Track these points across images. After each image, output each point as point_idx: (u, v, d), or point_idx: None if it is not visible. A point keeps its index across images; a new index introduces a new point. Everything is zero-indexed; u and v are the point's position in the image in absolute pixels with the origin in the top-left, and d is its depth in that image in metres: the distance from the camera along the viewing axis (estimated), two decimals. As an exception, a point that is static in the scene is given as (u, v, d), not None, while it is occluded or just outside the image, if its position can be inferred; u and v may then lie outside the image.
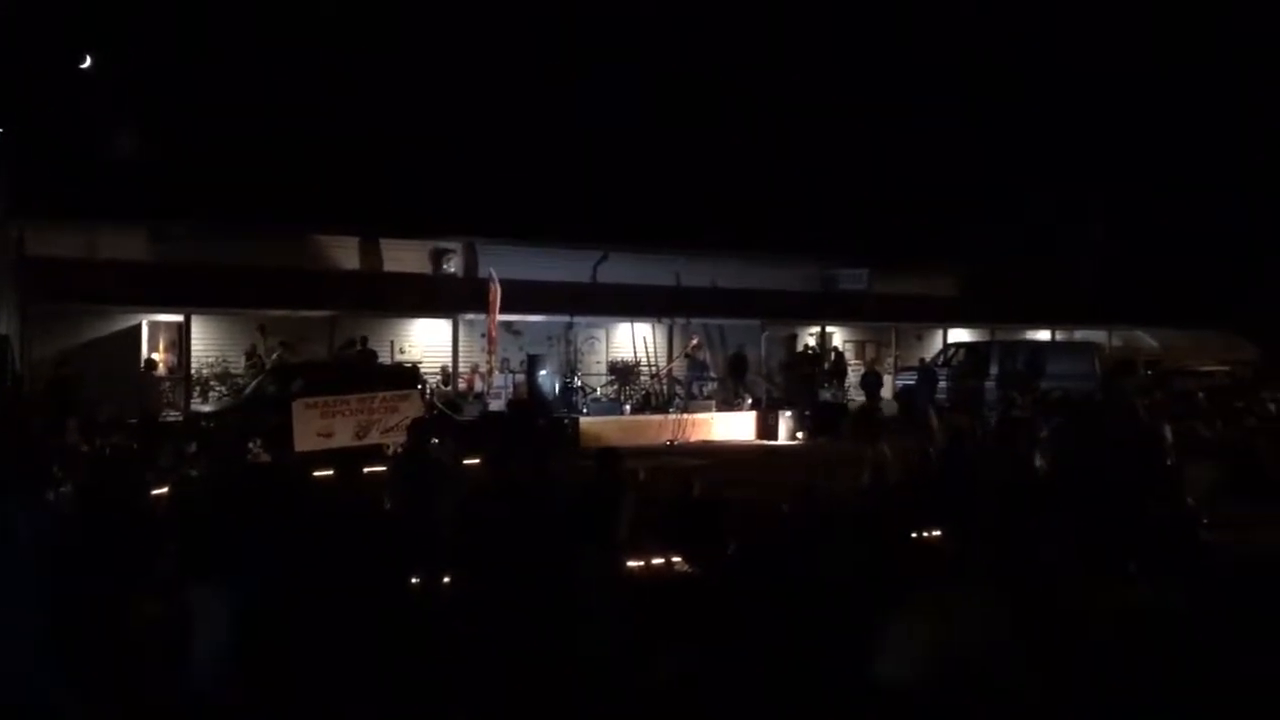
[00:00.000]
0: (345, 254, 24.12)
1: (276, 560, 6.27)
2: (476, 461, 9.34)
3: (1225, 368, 27.76)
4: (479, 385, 22.25)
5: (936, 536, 8.08)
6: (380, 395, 16.81)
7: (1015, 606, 3.65)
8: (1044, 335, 31.37)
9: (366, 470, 8.64)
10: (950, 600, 3.60)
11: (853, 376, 27.18)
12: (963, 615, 3.41)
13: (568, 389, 21.73)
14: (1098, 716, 4.09)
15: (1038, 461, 10.03)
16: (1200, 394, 19.48)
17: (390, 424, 16.33)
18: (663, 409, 22.53)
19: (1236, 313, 32.81)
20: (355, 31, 31.98)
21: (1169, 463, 10.57)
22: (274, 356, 20.09)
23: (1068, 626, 4.64)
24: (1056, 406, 19.14)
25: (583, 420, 20.21)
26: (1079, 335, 31.53)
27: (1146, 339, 33.49)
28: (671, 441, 20.62)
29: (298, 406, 15.96)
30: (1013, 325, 30.89)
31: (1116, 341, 32.37)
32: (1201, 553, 6.92)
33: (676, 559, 8.15)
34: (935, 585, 4.23)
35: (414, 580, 7.13)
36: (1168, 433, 13.13)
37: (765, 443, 21.68)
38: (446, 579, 7.16)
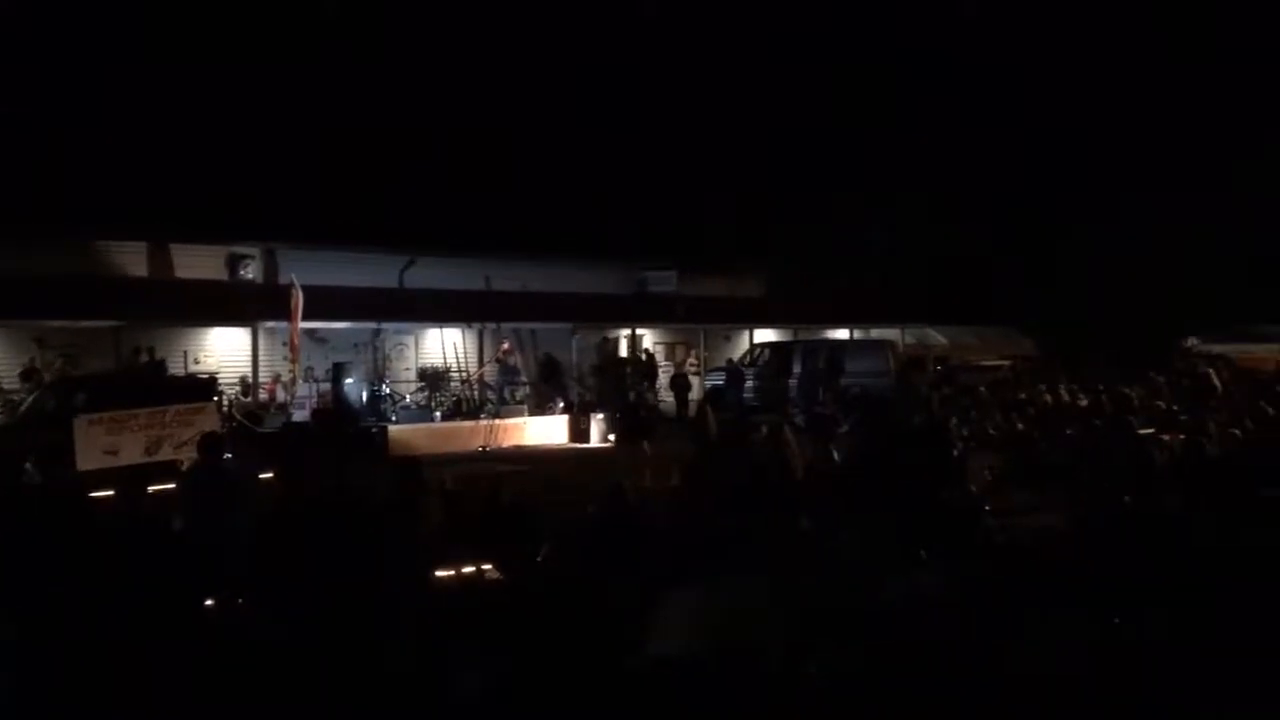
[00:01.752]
0: (132, 260, 22.78)
1: (54, 588, 5.87)
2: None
3: (1007, 362, 29.38)
4: (281, 395, 21.50)
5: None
6: (173, 409, 16.00)
7: (795, 591, 3.78)
8: (843, 334, 32.68)
9: (158, 488, 8.20)
10: (716, 584, 3.72)
11: (663, 378, 27.63)
12: (727, 597, 3.54)
13: (376, 397, 21.24)
14: (878, 695, 4.29)
15: (835, 455, 10.43)
16: (982, 388, 20.61)
17: (184, 438, 15.51)
18: (474, 415, 22.37)
19: (1017, 310, 35.03)
20: (146, 27, 30.35)
21: (955, 453, 11.23)
22: (54, 369, 18.90)
23: (857, 611, 4.85)
24: (856, 403, 20.03)
25: (392, 429, 19.85)
26: (875, 333, 32.97)
27: (936, 336, 35.31)
28: (484, 447, 20.52)
29: (80, 423, 15.02)
30: (815, 325, 32.05)
31: (909, 339, 34.01)
32: (983, 538, 7.35)
33: (487, 566, 8.06)
34: (705, 572, 4.37)
35: (208, 602, 6.81)
36: (954, 424, 13.99)
37: (578, 446, 21.79)
38: (242, 599, 6.86)
